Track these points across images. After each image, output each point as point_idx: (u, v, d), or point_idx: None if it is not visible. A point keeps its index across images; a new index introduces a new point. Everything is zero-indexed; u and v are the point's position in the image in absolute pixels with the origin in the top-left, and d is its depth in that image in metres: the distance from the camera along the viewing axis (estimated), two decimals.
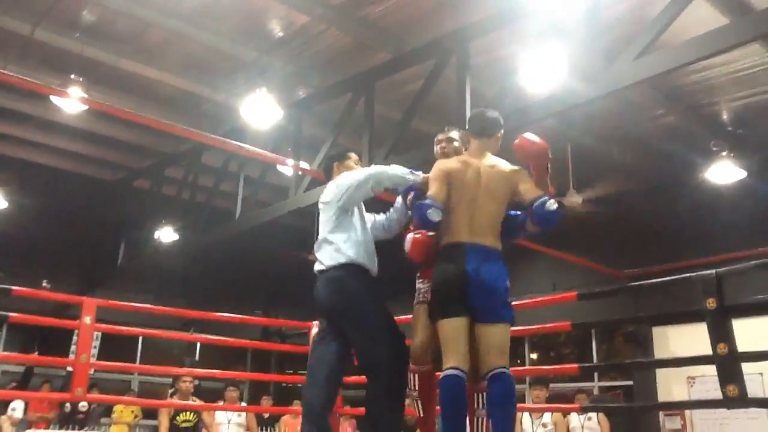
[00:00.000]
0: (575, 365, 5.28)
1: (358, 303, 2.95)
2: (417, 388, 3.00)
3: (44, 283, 9.53)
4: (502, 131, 3.07)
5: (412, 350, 2.99)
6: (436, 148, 3.21)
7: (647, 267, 8.47)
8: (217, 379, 9.53)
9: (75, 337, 5.93)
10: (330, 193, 3.12)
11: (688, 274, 3.66)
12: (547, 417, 5.99)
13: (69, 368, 6.06)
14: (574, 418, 6.60)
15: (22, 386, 8.16)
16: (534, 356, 10.44)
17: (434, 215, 2.77)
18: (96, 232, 10.26)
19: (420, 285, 3.10)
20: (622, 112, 7.22)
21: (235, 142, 6.88)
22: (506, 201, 2.93)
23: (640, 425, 8.10)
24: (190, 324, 10.01)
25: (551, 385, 7.10)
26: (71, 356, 7.16)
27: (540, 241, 7.60)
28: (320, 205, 3.17)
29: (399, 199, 3.24)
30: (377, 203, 3.48)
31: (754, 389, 4.34)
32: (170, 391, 6.65)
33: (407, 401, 3.06)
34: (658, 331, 8.45)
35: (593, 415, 6.63)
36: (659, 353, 8.28)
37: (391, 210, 3.31)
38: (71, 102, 6.84)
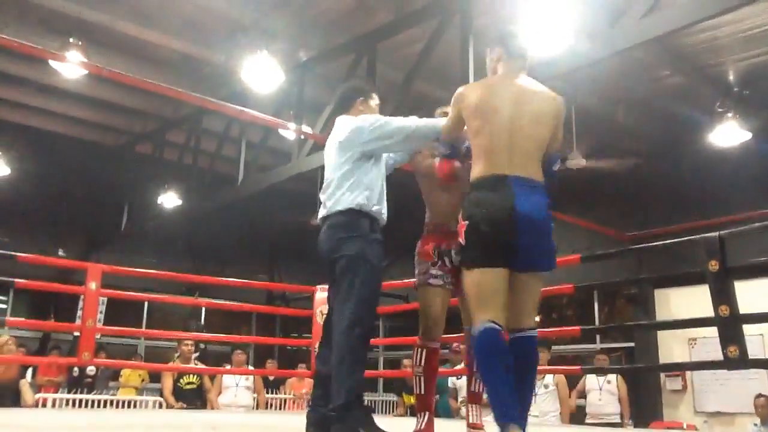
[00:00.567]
0: (577, 327, 5.33)
1: (357, 254, 2.70)
2: (422, 363, 2.94)
3: (60, 252, 9.60)
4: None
5: (422, 327, 2.95)
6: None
7: (650, 229, 8.48)
8: (223, 343, 9.65)
9: (81, 303, 5.99)
10: (351, 132, 2.79)
11: (691, 237, 3.66)
12: (548, 378, 6.06)
13: (76, 333, 6.14)
14: (591, 380, 6.68)
15: (41, 352, 8.31)
16: (536, 318, 10.52)
17: (445, 148, 2.72)
18: (99, 197, 10.27)
19: (420, 265, 3.00)
20: (627, 73, 7.13)
21: (236, 106, 6.83)
22: (551, 130, 2.49)
23: (641, 386, 8.20)
24: (195, 288, 10.09)
25: (553, 347, 7.19)
26: (77, 321, 7.27)
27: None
28: (333, 143, 2.88)
29: None
30: None
31: (754, 350, 4.39)
32: (176, 354, 6.75)
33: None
34: (660, 293, 8.50)
35: (612, 377, 6.72)
36: (661, 315, 8.34)
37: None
38: (71, 66, 6.78)
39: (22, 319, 8.72)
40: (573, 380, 6.69)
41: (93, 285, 4.73)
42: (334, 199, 2.77)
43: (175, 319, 11.49)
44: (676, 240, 4.04)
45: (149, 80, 6.22)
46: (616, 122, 8.09)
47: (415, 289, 3.06)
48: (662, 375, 8.32)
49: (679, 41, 6.45)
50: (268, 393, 7.77)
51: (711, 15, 4.49)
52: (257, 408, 7.02)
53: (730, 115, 7.32)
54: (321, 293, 5.38)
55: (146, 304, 11.07)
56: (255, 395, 7.06)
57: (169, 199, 9.52)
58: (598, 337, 9.38)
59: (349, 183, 2.75)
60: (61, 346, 8.94)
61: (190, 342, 6.31)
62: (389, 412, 9.05)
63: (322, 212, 2.85)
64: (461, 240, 2.41)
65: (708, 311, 3.49)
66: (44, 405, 6.26)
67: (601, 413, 6.63)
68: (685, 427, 7.25)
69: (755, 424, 6.58)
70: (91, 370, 7.72)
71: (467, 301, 2.58)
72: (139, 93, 8.03)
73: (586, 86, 7.20)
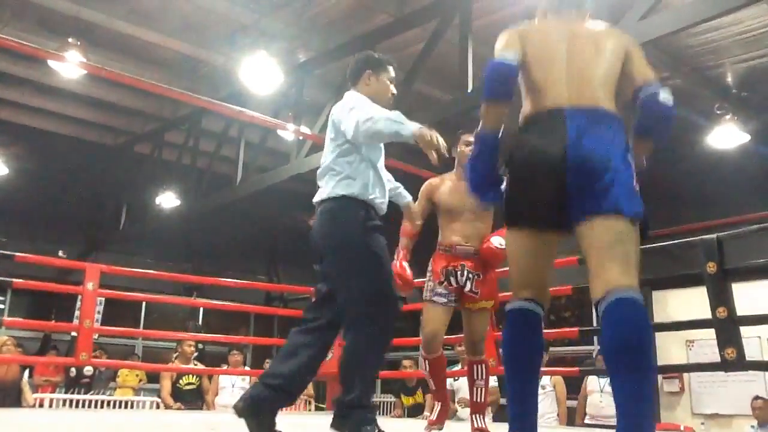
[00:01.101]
0: (575, 329, 5.32)
1: (349, 239, 2.47)
2: (427, 370, 3.27)
3: (60, 253, 9.58)
4: None
5: (423, 341, 3.21)
6: (463, 149, 3.24)
7: (648, 230, 8.47)
8: (221, 344, 9.63)
9: (79, 303, 5.98)
10: (348, 114, 2.50)
11: (689, 238, 3.66)
12: (545, 380, 6.05)
13: (74, 333, 6.13)
14: (593, 381, 6.67)
15: (41, 352, 8.31)
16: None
17: (508, 59, 1.95)
18: (97, 197, 10.27)
19: (428, 282, 3.23)
20: None
21: (235, 107, 6.83)
22: (621, 58, 1.99)
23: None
24: (193, 289, 10.07)
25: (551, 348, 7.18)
26: (75, 321, 7.25)
27: None
28: (333, 120, 2.61)
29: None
30: None
31: (752, 352, 4.39)
32: (174, 355, 6.74)
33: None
34: (658, 295, 8.50)
35: None
36: (658, 317, 8.33)
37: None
38: (69, 66, 6.77)
39: (21, 319, 8.70)
40: (569, 381, 6.68)
41: (91, 285, 4.72)
42: (329, 184, 2.56)
43: (173, 319, 11.47)
44: (674, 242, 4.04)
45: (148, 80, 6.23)
46: None
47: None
48: (660, 377, 8.31)
49: (678, 43, 6.46)
50: None
51: (710, 17, 4.50)
52: None
53: (728, 117, 7.33)
54: None
55: (144, 304, 11.05)
56: None
57: (168, 200, 9.52)
58: (595, 338, 9.38)
59: (346, 167, 2.54)
60: (58, 347, 8.93)
61: (192, 343, 6.29)
62: (387, 413, 9.04)
63: (315, 197, 2.63)
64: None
65: (706, 313, 3.49)
66: (41, 405, 6.25)
67: (601, 415, 6.60)
68: (682, 429, 7.24)
69: (752, 426, 6.57)
70: (88, 370, 7.70)
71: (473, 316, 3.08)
72: (138, 93, 8.03)
73: None
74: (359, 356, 2.44)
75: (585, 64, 1.95)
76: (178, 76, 7.54)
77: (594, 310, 1.81)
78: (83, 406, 6.35)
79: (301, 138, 7.35)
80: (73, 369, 7.69)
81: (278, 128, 7.60)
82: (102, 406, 6.43)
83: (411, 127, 2.32)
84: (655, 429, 1.63)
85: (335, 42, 6.95)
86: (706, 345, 6.51)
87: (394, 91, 2.76)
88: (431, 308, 3.19)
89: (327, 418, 2.63)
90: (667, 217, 8.33)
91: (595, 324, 9.33)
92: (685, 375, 8.11)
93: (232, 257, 11.49)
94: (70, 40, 6.65)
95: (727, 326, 3.37)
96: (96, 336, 6.10)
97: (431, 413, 3.41)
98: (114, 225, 10.23)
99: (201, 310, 11.36)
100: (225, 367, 7.07)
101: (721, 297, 3.39)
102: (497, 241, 3.12)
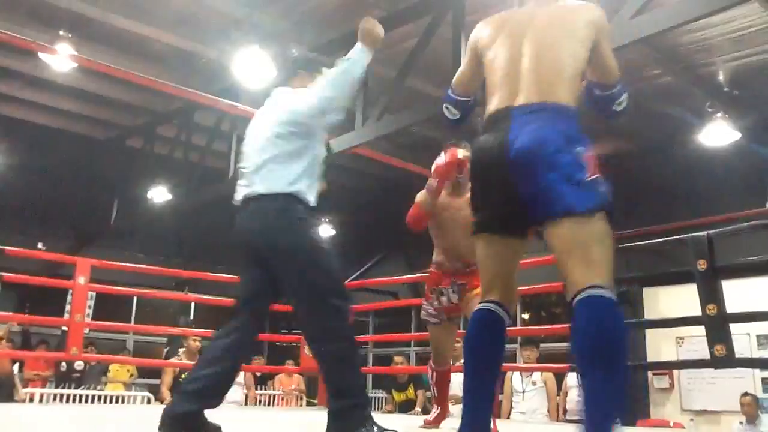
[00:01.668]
0: (566, 325, 5.33)
1: (314, 247, 2.40)
2: (434, 380, 3.40)
3: (39, 245, 9.52)
4: None
5: (434, 356, 3.37)
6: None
7: (639, 227, 8.51)
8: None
9: (69, 297, 5.96)
10: (302, 104, 2.50)
11: (680, 236, 3.68)
12: (536, 375, 6.08)
13: (64, 328, 6.11)
14: (571, 378, 6.70)
15: (24, 347, 8.25)
16: (526, 316, 10.55)
17: (448, 112, 2.13)
18: (89, 190, 10.21)
19: (424, 302, 3.34)
20: None
21: (228, 101, 6.80)
22: (586, 43, 1.92)
23: (629, 384, 8.23)
24: (185, 283, 10.05)
25: (542, 345, 7.20)
26: (66, 316, 7.23)
27: None
28: (274, 117, 2.58)
29: None
30: None
31: (741, 349, 4.42)
32: (165, 349, 6.71)
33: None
34: (648, 292, 8.54)
35: None
36: (649, 314, 8.38)
37: None
38: (60, 59, 6.73)
39: (9, 313, 8.65)
40: (561, 378, 6.72)
41: (82, 279, 4.70)
42: (272, 178, 2.48)
43: (165, 314, 11.44)
44: (664, 239, 4.06)
45: (140, 74, 6.19)
46: (604, 121, 8.10)
47: None
48: (650, 373, 8.37)
49: (670, 41, 6.48)
50: (256, 389, 7.76)
51: (701, 15, 4.51)
52: (247, 404, 7.00)
53: (719, 115, 7.36)
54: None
55: (135, 299, 11.02)
56: (245, 391, 7.05)
57: (159, 194, 9.48)
58: None
59: (295, 162, 2.47)
60: (48, 341, 8.88)
61: (198, 338, 6.25)
62: (378, 409, 9.06)
63: (245, 191, 2.56)
64: None
65: (696, 310, 3.52)
66: (31, 400, 6.22)
67: (581, 410, 6.63)
68: (671, 425, 7.29)
69: (741, 423, 6.63)
70: (79, 365, 7.69)
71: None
72: (130, 86, 7.97)
73: None
74: (343, 356, 2.36)
75: (545, 59, 1.89)
76: (170, 70, 7.50)
77: None
78: (74, 401, 6.33)
79: None
80: (63, 364, 7.67)
81: None
82: (93, 401, 6.40)
83: (363, 56, 2.50)
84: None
85: (328, 36, 6.92)
86: (696, 342, 6.55)
87: None
88: (429, 328, 3.35)
89: (319, 413, 2.63)
90: (658, 215, 8.36)
91: None
92: (675, 371, 8.17)
93: (223, 251, 11.43)
94: (61, 32, 6.60)
95: (717, 323, 3.40)
96: (87, 331, 6.07)
97: (421, 409, 3.53)
98: (105, 219, 10.18)
99: (193, 305, 11.34)
100: None
101: (711, 294, 3.42)
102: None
